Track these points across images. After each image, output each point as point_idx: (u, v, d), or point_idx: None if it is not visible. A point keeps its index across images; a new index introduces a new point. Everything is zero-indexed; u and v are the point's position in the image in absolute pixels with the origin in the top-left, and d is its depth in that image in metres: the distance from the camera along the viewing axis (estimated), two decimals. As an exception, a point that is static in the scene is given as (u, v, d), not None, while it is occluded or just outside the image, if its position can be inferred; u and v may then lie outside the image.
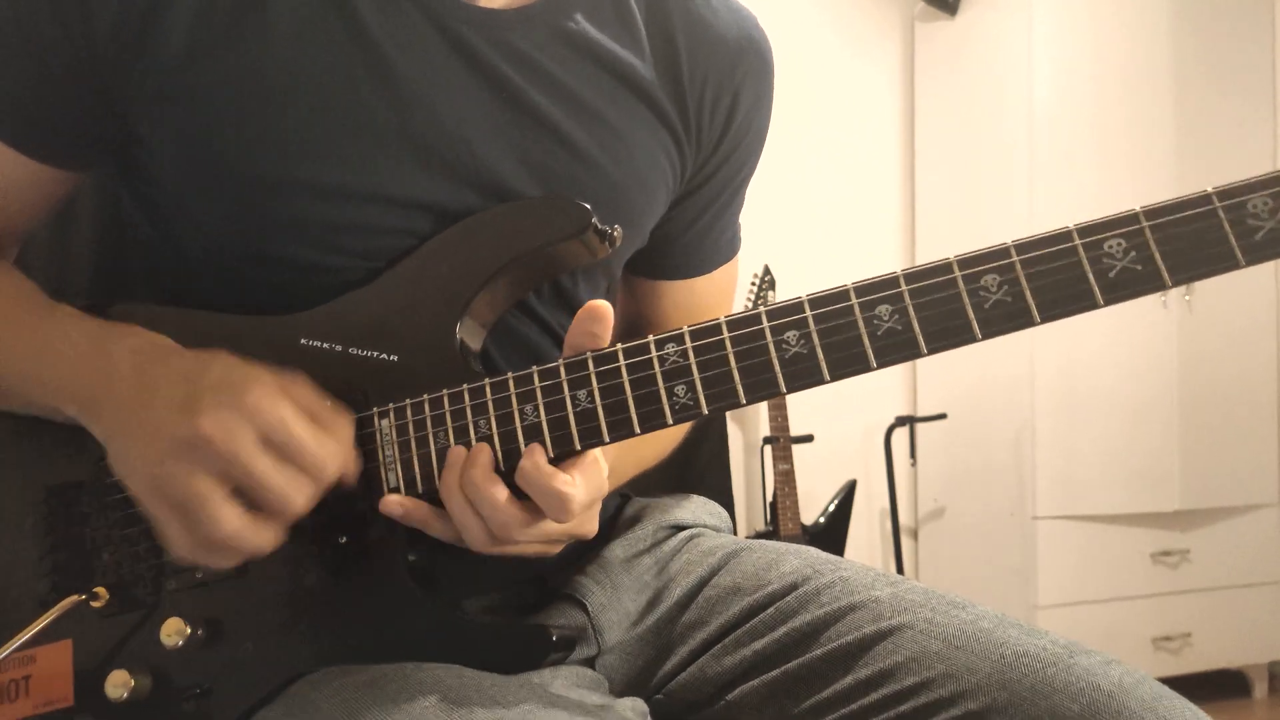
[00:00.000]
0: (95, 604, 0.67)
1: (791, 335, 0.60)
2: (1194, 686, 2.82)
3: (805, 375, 0.60)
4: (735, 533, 0.91)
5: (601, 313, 0.63)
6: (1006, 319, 0.57)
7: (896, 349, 0.58)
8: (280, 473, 0.59)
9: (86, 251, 0.96)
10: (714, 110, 0.81)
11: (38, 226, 0.79)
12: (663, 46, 0.78)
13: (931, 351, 0.58)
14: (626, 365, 0.62)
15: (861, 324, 0.59)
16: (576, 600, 0.75)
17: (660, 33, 0.78)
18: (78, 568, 0.69)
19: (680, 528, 0.85)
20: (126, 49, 0.67)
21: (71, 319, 0.69)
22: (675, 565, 0.81)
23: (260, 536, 0.60)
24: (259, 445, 0.59)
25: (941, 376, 3.14)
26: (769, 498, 2.72)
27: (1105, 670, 0.62)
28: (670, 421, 0.61)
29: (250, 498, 0.60)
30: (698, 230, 0.87)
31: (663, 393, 0.61)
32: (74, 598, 0.67)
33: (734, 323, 0.61)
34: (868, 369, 0.59)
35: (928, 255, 3.19)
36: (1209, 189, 0.55)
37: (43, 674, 0.69)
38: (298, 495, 0.60)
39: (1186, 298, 2.86)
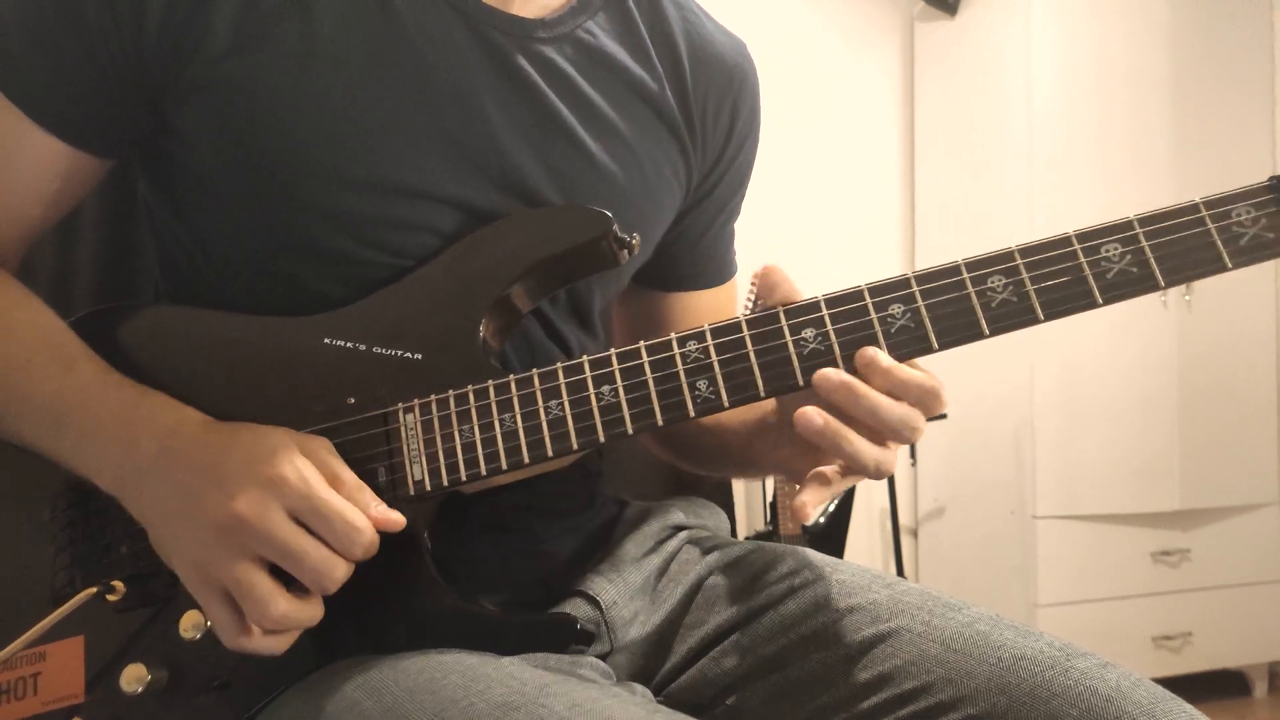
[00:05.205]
0: (111, 597, 0.67)
1: (809, 333, 0.63)
2: (1194, 686, 2.83)
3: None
4: (735, 533, 0.92)
5: None
6: (1012, 317, 0.62)
7: (909, 344, 0.63)
8: (316, 545, 0.60)
9: (91, 254, 0.96)
10: (716, 119, 0.84)
11: (58, 220, 0.78)
12: (668, 60, 0.82)
13: (943, 347, 0.62)
14: (650, 362, 0.64)
15: (876, 322, 0.63)
16: (589, 597, 0.76)
17: (664, 47, 0.82)
18: (94, 561, 0.69)
19: (680, 529, 0.86)
20: (172, 41, 0.68)
21: (95, 384, 0.68)
22: (675, 566, 0.82)
23: (309, 611, 0.61)
24: (290, 519, 0.60)
25: (941, 376, 3.11)
26: (769, 498, 2.73)
27: (1102, 674, 0.63)
28: (692, 414, 0.63)
29: (289, 569, 0.61)
30: (708, 240, 0.90)
31: (685, 387, 0.64)
32: (89, 590, 0.66)
33: (753, 321, 0.64)
34: (882, 364, 0.61)
35: (928, 255, 3.21)
36: (1197, 199, 0.60)
37: (52, 671, 0.68)
38: (337, 561, 0.61)
39: (1186, 298, 2.87)
